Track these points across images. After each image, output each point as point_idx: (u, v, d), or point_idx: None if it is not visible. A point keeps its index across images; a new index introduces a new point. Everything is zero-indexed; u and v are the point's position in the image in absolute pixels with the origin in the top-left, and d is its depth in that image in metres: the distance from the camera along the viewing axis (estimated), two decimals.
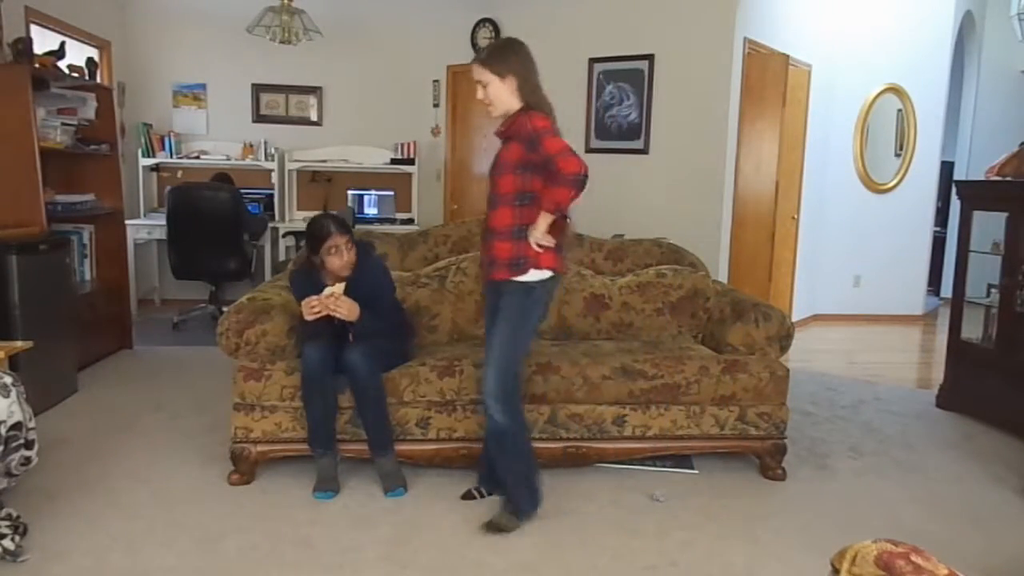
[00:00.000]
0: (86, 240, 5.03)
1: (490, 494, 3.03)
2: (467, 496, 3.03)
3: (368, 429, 3.06)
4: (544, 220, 2.57)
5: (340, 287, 3.01)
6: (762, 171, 5.67)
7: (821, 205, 6.72)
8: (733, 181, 5.36)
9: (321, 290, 3.01)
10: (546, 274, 2.66)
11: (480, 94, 2.67)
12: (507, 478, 2.82)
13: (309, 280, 3.10)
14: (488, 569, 2.54)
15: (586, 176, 2.51)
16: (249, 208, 6.10)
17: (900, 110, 6.77)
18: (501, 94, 2.63)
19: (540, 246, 2.60)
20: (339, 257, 3.03)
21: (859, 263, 6.93)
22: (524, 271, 2.63)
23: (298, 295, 3.09)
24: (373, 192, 6.89)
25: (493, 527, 2.74)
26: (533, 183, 2.60)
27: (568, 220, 2.71)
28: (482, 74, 2.63)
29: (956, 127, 7.58)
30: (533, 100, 2.63)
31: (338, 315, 2.99)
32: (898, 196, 6.86)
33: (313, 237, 3.05)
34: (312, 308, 2.96)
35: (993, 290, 4.24)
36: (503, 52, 2.68)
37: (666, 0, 5.38)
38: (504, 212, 2.63)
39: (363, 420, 3.06)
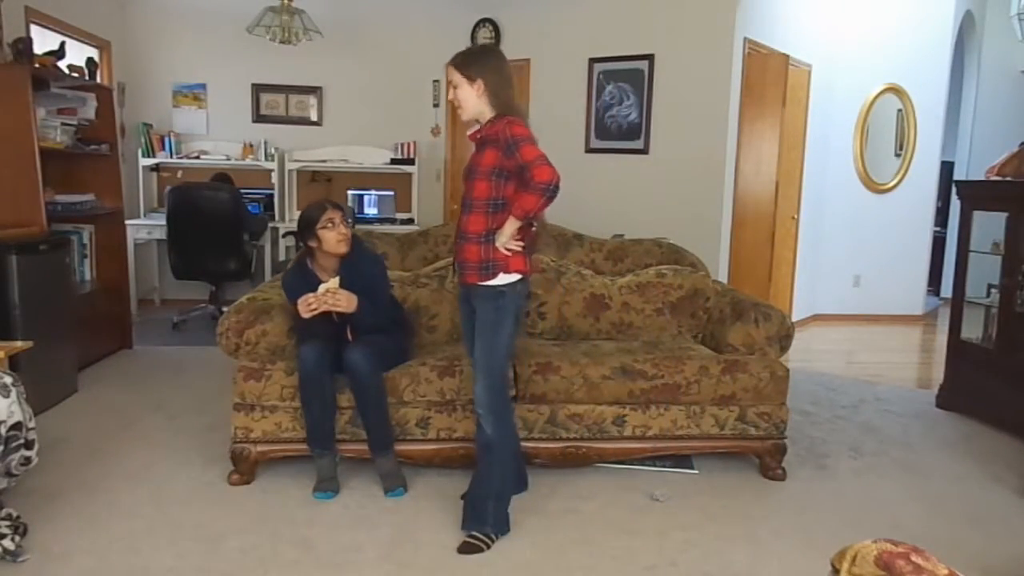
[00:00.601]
0: (86, 240, 5.03)
1: None
2: (465, 498, 3.03)
3: (368, 429, 3.06)
4: (511, 225, 2.59)
5: (335, 281, 3.02)
6: (762, 171, 5.67)
7: (821, 205, 6.72)
8: (733, 181, 5.36)
9: (316, 288, 3.01)
10: (514, 277, 2.67)
11: (450, 95, 2.71)
12: (478, 490, 2.75)
13: (302, 280, 3.10)
14: (488, 569, 2.54)
15: (557, 186, 2.53)
16: (249, 208, 6.10)
17: (900, 110, 6.77)
18: (469, 98, 2.65)
19: (508, 249, 2.61)
20: (336, 231, 3.02)
21: (859, 263, 6.93)
22: (493, 275, 2.65)
23: (292, 296, 3.09)
24: (373, 192, 6.89)
25: (467, 548, 2.65)
26: (506, 190, 2.62)
27: (533, 227, 2.73)
28: (452, 75, 2.67)
29: (956, 127, 7.58)
30: (505, 108, 2.63)
31: (337, 309, 2.99)
32: (898, 196, 6.86)
33: (307, 218, 3.05)
34: (309, 305, 2.96)
35: (993, 290, 4.23)
36: (474, 56, 2.72)
37: (666, 0, 5.38)
38: (477, 218, 2.64)
39: (364, 420, 3.06)
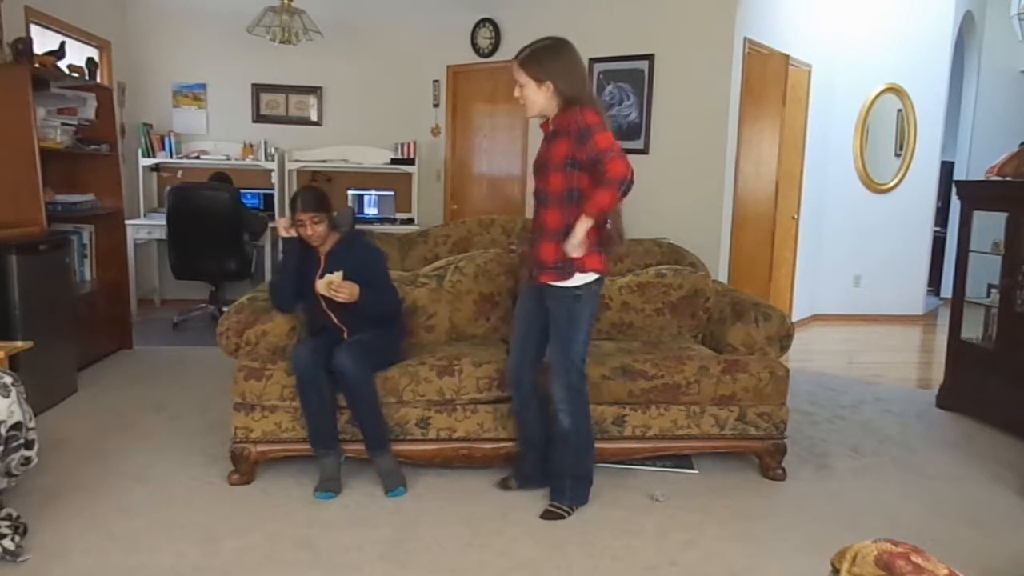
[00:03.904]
0: (86, 240, 5.02)
1: (519, 488, 3.07)
2: (503, 486, 3.10)
3: (363, 429, 3.06)
4: (583, 226, 2.52)
5: (339, 275, 3.06)
6: (762, 171, 5.67)
7: (821, 205, 6.72)
8: (733, 181, 5.36)
9: (313, 257, 3.13)
10: (591, 277, 2.64)
11: (516, 92, 2.67)
12: (558, 469, 2.90)
13: (302, 246, 3.18)
14: (488, 569, 2.54)
15: (632, 180, 2.50)
16: (245, 201, 6.09)
17: (900, 110, 6.78)
18: (537, 98, 2.62)
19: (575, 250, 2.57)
20: (304, 230, 3.13)
21: (859, 263, 6.93)
22: (569, 275, 2.62)
23: (287, 250, 3.22)
24: (373, 192, 6.89)
25: (548, 515, 2.85)
26: (581, 180, 2.59)
27: (608, 224, 2.68)
28: (519, 75, 2.62)
29: (956, 127, 7.58)
30: (575, 98, 2.59)
31: (339, 299, 3.03)
32: (898, 196, 6.86)
33: (290, 204, 3.22)
34: (285, 226, 3.14)
35: (993, 290, 4.23)
36: (542, 57, 2.62)
37: (666, 0, 5.38)
38: (553, 213, 2.62)
39: (358, 420, 3.06)
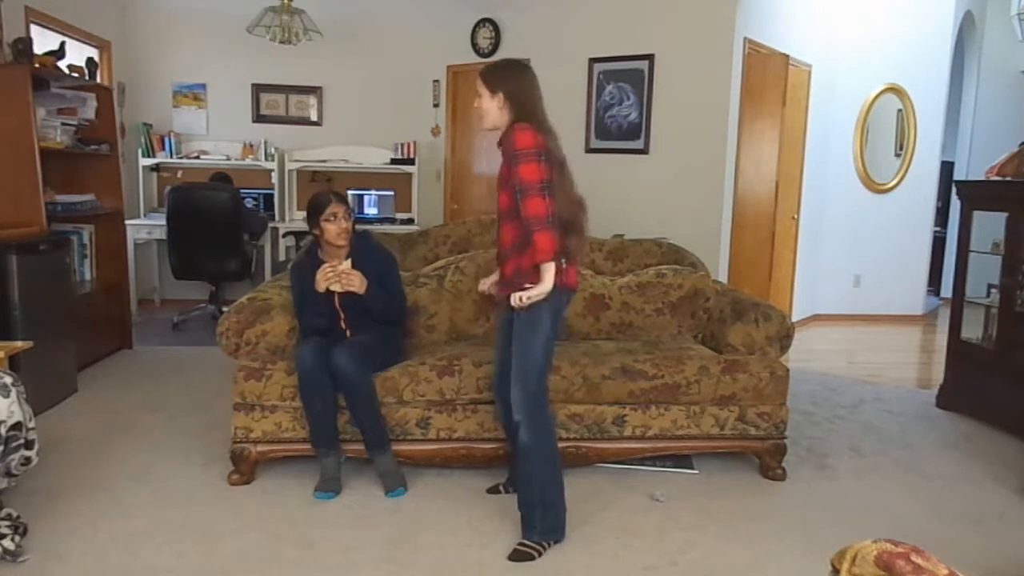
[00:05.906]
0: (86, 240, 5.03)
1: (510, 492, 3.04)
2: (493, 490, 3.09)
3: (362, 429, 3.07)
4: (548, 272, 2.48)
5: (348, 262, 3.09)
6: (762, 171, 5.67)
7: (821, 205, 6.72)
8: (733, 181, 5.36)
9: (313, 278, 3.10)
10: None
11: (476, 103, 2.73)
12: (524, 496, 2.69)
13: (312, 266, 3.16)
14: (488, 569, 2.54)
15: (551, 218, 2.45)
16: (246, 203, 6.09)
17: (900, 110, 6.78)
18: (491, 108, 2.67)
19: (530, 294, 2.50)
20: (336, 224, 3.14)
21: (859, 263, 6.93)
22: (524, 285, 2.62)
23: (299, 280, 3.19)
24: (373, 192, 6.89)
25: (516, 555, 2.60)
26: None
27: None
28: (478, 86, 2.70)
29: (956, 127, 7.59)
30: (524, 115, 2.60)
31: (350, 288, 3.06)
32: (898, 196, 6.86)
33: (314, 206, 3.18)
34: (326, 274, 3.06)
35: (993, 290, 4.24)
36: (499, 68, 2.73)
37: (666, 0, 5.38)
38: (507, 228, 2.62)
39: (356, 421, 3.07)
